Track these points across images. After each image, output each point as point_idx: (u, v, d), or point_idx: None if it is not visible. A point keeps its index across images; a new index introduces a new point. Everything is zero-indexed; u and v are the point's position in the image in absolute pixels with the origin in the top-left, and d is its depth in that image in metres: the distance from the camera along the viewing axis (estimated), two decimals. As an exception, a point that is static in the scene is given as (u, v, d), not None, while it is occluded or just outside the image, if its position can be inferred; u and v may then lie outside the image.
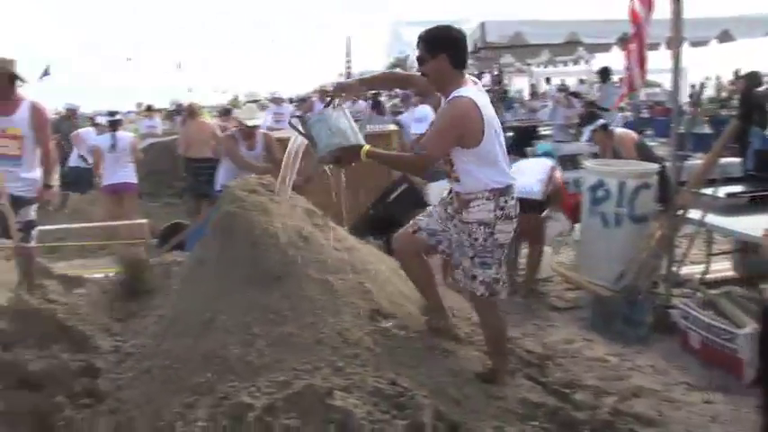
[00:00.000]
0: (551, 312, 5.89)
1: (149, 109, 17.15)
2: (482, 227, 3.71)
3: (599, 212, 6.10)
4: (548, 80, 25.72)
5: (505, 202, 3.73)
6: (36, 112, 5.59)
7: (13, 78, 5.56)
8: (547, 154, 6.95)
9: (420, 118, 9.80)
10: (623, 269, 5.55)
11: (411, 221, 4.16)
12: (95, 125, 12.87)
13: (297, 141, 4.20)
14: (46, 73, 19.83)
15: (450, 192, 3.97)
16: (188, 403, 3.25)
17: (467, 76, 3.81)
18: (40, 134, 5.63)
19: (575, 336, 5.29)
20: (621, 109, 14.17)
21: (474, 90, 3.72)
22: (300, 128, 3.89)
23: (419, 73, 3.94)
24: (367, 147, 3.74)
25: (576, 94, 16.01)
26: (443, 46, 3.71)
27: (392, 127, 8.34)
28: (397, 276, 4.40)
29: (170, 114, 17.73)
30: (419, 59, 3.82)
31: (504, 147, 3.86)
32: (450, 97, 3.68)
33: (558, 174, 6.47)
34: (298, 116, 4.15)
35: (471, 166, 3.71)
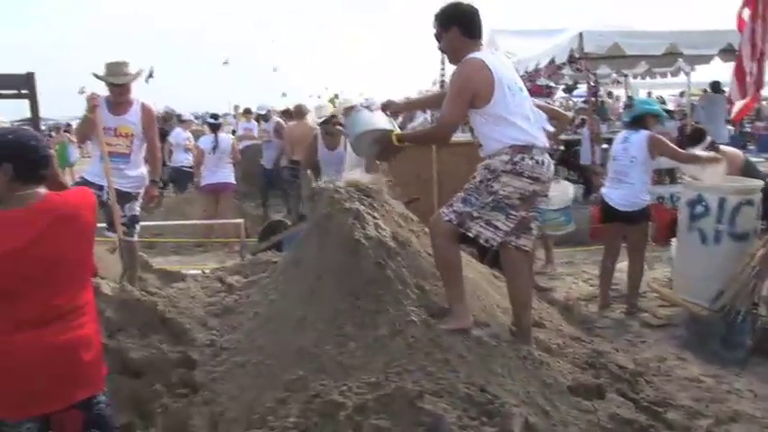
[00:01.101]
0: (644, 329, 5.76)
1: (247, 112, 17.59)
2: (486, 170, 3.83)
3: (697, 229, 5.92)
4: (649, 94, 25.00)
5: (521, 159, 3.77)
6: (146, 112, 5.88)
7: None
8: None
9: None
10: (722, 288, 5.36)
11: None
12: (181, 122, 13.37)
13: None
14: (150, 75, 20.71)
15: None
16: (280, 399, 3.35)
17: (482, 47, 4.00)
18: (148, 133, 5.91)
19: (668, 354, 5.15)
20: (728, 122, 13.67)
21: (486, 53, 3.91)
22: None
23: None
24: (397, 131, 3.95)
25: (669, 112, 15.51)
26: (453, 18, 3.94)
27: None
28: (489, 285, 4.39)
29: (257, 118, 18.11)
30: (436, 37, 4.04)
31: (530, 107, 3.96)
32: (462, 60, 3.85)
33: None
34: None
35: (487, 127, 3.84)
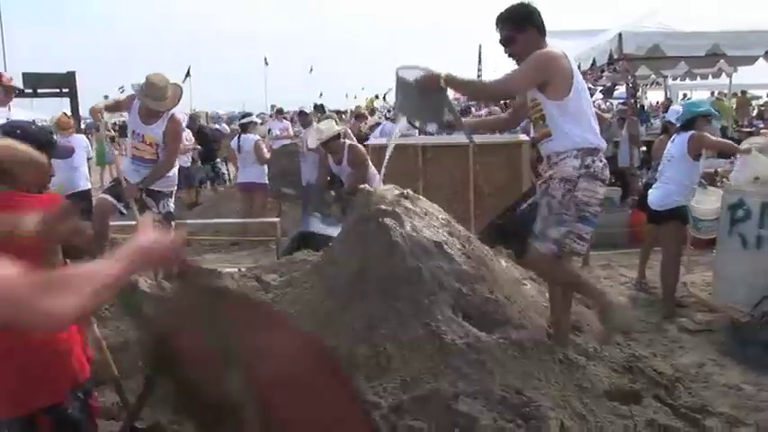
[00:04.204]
0: (681, 333, 5.66)
1: (279, 112, 17.77)
2: (563, 183, 3.74)
3: (738, 233, 5.81)
4: (684, 96, 24.67)
5: (592, 161, 3.75)
6: (171, 124, 5.91)
7: None
8: None
9: None
10: (765, 294, 5.26)
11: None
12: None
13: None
14: (188, 74, 21.02)
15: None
16: (316, 398, 3.36)
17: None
18: (169, 145, 5.94)
19: (706, 360, 5.07)
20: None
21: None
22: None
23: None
24: (444, 72, 3.81)
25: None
26: (529, 19, 3.90)
27: (522, 137, 8.24)
28: (527, 287, 4.38)
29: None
30: (508, 39, 3.93)
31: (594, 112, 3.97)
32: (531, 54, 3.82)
33: None
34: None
35: (561, 120, 3.78)
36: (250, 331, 2.05)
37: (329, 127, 7.06)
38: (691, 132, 6.04)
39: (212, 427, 2.10)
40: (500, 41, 3.98)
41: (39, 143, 2.82)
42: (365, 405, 3.02)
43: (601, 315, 3.90)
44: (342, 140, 6.96)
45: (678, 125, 6.49)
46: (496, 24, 3.96)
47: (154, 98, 5.72)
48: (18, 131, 2.84)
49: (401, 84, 3.91)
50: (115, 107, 6.52)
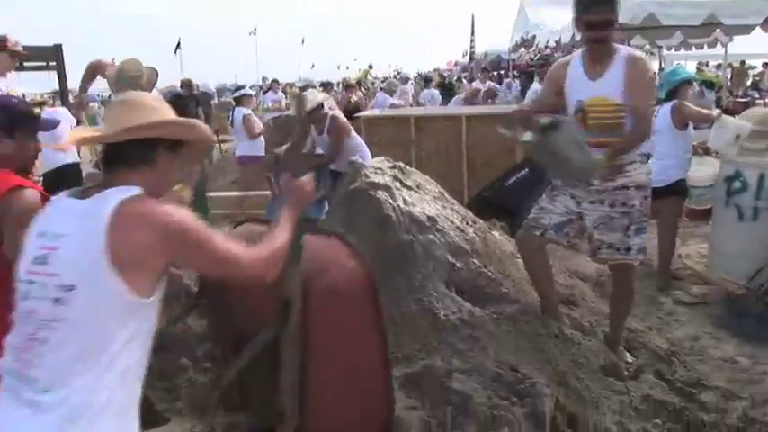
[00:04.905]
0: (677, 306, 5.62)
1: (274, 82, 17.61)
2: (639, 190, 3.70)
3: (734, 205, 5.75)
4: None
5: (649, 166, 3.80)
6: None
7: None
8: None
9: None
10: (761, 267, 5.22)
11: (532, 222, 3.92)
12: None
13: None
14: (178, 46, 20.77)
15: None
16: (308, 374, 3.31)
17: None
18: None
19: (702, 333, 5.03)
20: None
21: None
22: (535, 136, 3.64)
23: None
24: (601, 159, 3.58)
25: (710, 84, 15.16)
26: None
27: (516, 107, 8.14)
28: (520, 261, 4.31)
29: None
30: (607, 23, 3.65)
31: None
32: (634, 55, 3.72)
33: None
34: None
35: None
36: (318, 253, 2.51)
37: (313, 98, 6.96)
38: (671, 103, 5.93)
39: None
40: (592, 24, 3.63)
41: (22, 116, 2.73)
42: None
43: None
44: (325, 111, 6.85)
45: (663, 98, 6.38)
46: (587, 6, 3.63)
47: (128, 87, 5.63)
48: None
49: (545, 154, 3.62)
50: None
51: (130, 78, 5.56)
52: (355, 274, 2.55)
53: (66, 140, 2.42)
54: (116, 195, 1.87)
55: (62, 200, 2.00)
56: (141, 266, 1.86)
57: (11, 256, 2.45)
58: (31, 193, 2.55)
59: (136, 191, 1.91)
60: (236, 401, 2.78)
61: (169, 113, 2.11)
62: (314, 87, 10.50)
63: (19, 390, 1.85)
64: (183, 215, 1.91)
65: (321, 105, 6.80)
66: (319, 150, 7.25)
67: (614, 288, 4.06)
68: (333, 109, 7.54)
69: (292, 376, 2.43)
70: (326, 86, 17.57)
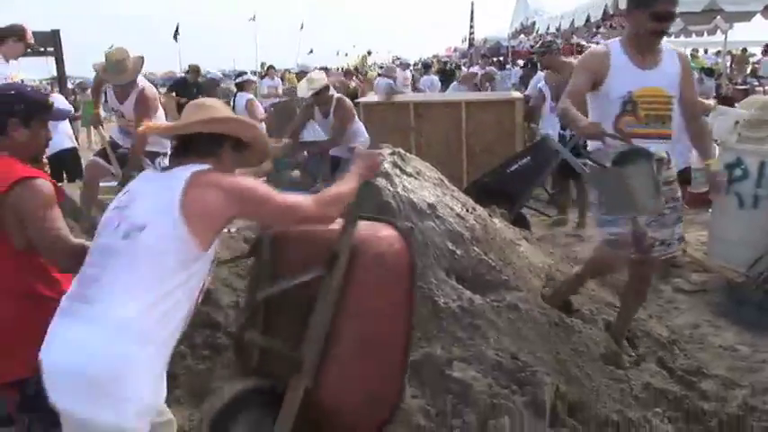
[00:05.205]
0: (676, 294, 5.61)
1: (270, 68, 17.50)
2: (677, 183, 3.80)
3: (734, 192, 5.72)
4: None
5: None
6: (140, 101, 5.82)
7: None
8: None
9: None
10: (761, 254, 5.20)
11: (644, 235, 3.72)
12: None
13: None
14: (177, 32, 20.59)
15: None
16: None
17: None
18: (138, 120, 5.81)
19: (701, 321, 5.02)
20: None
21: None
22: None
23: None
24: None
25: (710, 71, 15.10)
26: None
27: (515, 94, 8.12)
28: (521, 248, 4.29)
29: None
30: (670, 15, 3.63)
31: None
32: (678, 50, 3.78)
33: None
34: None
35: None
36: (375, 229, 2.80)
37: (321, 77, 6.90)
38: None
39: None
40: (660, 16, 3.54)
41: (39, 106, 2.70)
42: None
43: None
44: (331, 92, 6.81)
45: None
46: None
47: (115, 72, 5.68)
48: (13, 92, 2.71)
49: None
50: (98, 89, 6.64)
51: (116, 63, 5.64)
52: (402, 257, 2.77)
53: (143, 130, 2.69)
54: (193, 167, 2.27)
55: (148, 172, 2.46)
56: (205, 220, 2.20)
57: (17, 246, 2.47)
58: (43, 184, 2.53)
59: (208, 166, 2.30)
60: (252, 359, 2.85)
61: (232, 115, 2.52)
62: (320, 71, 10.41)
63: (74, 307, 2.16)
64: (248, 180, 2.35)
65: (328, 87, 6.76)
66: (317, 133, 7.23)
67: (634, 283, 3.95)
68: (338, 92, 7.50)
69: (321, 327, 2.55)
70: (324, 72, 17.47)
